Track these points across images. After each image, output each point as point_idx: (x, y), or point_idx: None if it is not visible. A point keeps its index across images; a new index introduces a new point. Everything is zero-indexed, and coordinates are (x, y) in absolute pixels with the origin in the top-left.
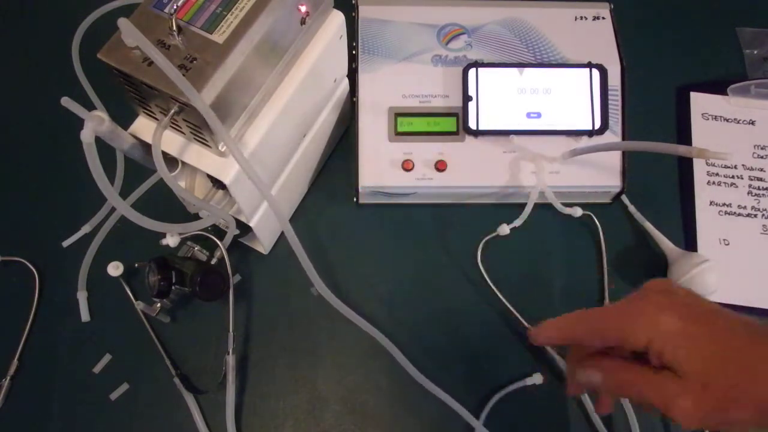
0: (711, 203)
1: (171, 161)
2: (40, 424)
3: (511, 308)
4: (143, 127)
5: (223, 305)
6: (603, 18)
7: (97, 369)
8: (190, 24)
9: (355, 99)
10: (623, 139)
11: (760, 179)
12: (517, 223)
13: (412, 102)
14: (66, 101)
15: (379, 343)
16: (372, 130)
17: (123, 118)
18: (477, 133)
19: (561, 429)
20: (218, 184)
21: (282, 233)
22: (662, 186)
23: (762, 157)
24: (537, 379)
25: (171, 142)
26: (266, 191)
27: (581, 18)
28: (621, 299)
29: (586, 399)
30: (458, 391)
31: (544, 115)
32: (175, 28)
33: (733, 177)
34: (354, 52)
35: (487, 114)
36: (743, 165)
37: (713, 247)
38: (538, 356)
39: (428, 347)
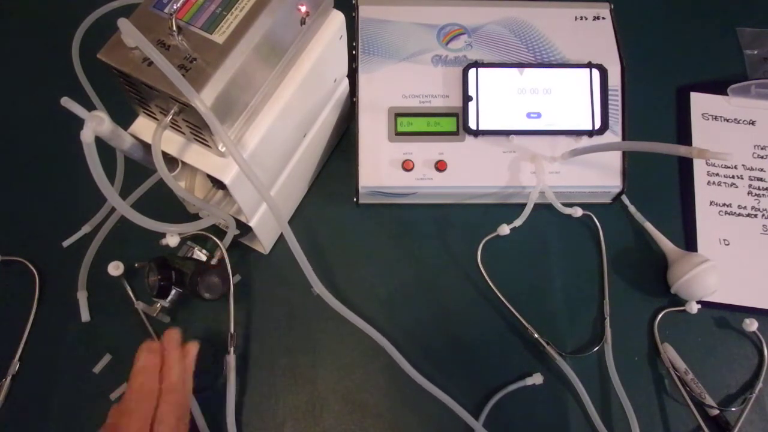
0: (711, 203)
1: (171, 161)
2: (40, 424)
3: (511, 308)
4: (143, 127)
5: (223, 305)
6: (603, 18)
7: (97, 369)
8: (190, 24)
9: (355, 99)
10: (623, 139)
11: (760, 179)
12: (517, 223)
13: (412, 102)
14: (66, 101)
15: (379, 343)
16: (372, 130)
17: (123, 118)
18: (477, 133)
19: (561, 429)
20: (218, 184)
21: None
22: (662, 186)
23: (762, 157)
24: (537, 379)
25: (171, 142)
26: (265, 192)
27: (581, 18)
28: None
29: (586, 399)
30: (458, 391)
31: (544, 115)
32: (175, 28)
33: (733, 177)
34: (354, 52)
35: (487, 114)
36: (743, 165)
37: (713, 247)
38: (538, 356)
39: (428, 347)
